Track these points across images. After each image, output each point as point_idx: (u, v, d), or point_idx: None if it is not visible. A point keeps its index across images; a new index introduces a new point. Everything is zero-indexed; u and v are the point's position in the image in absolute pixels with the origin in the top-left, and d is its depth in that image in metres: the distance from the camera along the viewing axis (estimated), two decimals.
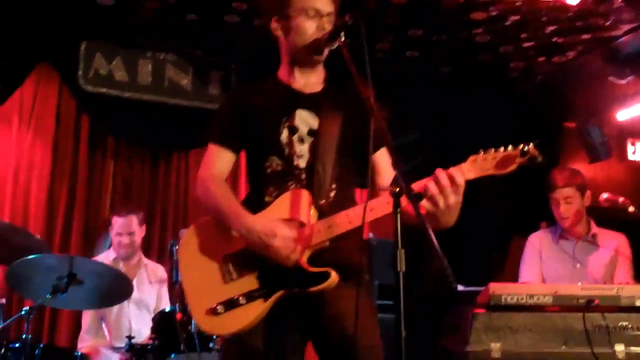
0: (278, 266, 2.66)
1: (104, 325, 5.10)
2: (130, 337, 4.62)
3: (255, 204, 2.81)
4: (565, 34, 6.18)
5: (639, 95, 6.51)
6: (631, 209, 4.45)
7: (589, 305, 3.47)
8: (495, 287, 3.55)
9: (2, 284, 5.11)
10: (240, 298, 2.71)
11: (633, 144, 6.95)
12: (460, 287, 4.90)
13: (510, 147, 2.50)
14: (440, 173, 2.43)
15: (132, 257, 5.46)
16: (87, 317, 5.34)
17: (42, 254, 4.27)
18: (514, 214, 6.71)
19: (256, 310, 2.68)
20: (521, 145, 2.47)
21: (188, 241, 2.91)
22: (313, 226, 2.68)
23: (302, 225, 2.69)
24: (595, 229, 4.70)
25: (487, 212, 6.62)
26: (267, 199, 2.81)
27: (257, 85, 3.01)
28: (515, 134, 2.55)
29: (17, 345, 4.28)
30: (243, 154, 3.03)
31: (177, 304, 4.60)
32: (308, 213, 2.71)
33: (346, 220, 2.63)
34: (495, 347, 3.48)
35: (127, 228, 5.34)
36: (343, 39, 2.70)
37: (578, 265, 4.62)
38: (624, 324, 3.47)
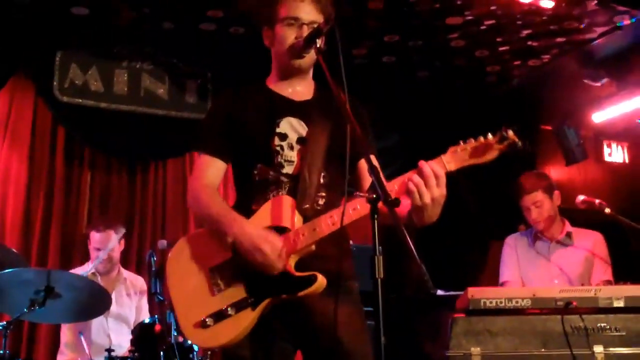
0: (264, 274, 2.66)
1: (83, 339, 5.05)
2: (109, 350, 4.58)
3: (243, 211, 2.80)
4: (540, 38, 6.24)
5: (614, 98, 6.57)
6: (607, 210, 4.48)
7: (567, 307, 3.48)
8: (474, 292, 3.55)
9: None
10: (229, 309, 2.70)
11: (609, 146, 7.01)
12: (439, 292, 4.91)
13: (489, 135, 2.51)
14: (424, 165, 2.46)
15: (111, 271, 5.40)
16: (66, 331, 5.28)
17: (19, 267, 4.22)
18: (492, 218, 6.74)
19: (245, 320, 2.68)
20: (500, 132, 2.49)
21: (175, 255, 2.91)
22: (297, 230, 2.68)
23: (287, 230, 2.69)
24: (569, 228, 4.72)
25: (465, 216, 6.64)
26: (254, 207, 2.81)
27: (245, 92, 3.01)
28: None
29: None
30: None
31: (157, 315, 4.57)
32: (292, 218, 2.71)
33: (329, 222, 2.63)
34: (475, 351, 3.48)
35: (105, 243, 5.27)
36: (319, 44, 2.72)
37: (553, 267, 4.64)
38: (602, 325, 3.48)
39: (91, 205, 6.32)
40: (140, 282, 5.54)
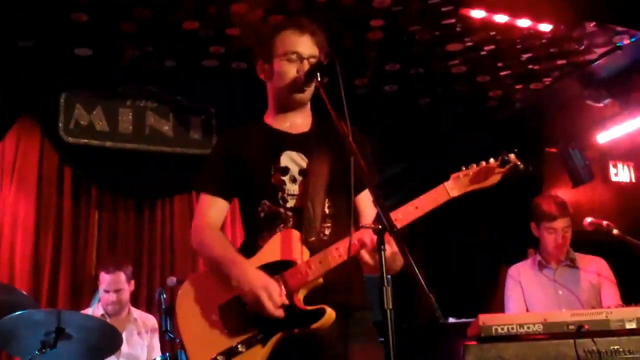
0: None
1: None
2: None
3: (251, 248, 2.82)
4: (540, 61, 6.27)
5: (617, 117, 6.57)
6: (615, 232, 4.47)
7: (579, 331, 3.45)
8: (485, 318, 3.52)
9: None
10: (239, 346, 2.70)
11: (615, 166, 7.01)
12: (450, 320, 4.89)
13: (491, 160, 2.52)
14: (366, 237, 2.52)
15: (120, 312, 5.38)
16: None
17: (29, 309, 4.22)
18: (501, 243, 6.72)
19: (256, 356, 2.67)
20: (501, 156, 2.50)
21: (184, 295, 2.92)
22: (305, 264, 2.68)
23: (294, 264, 2.69)
24: (573, 253, 4.71)
25: (474, 242, 6.63)
26: (260, 243, 2.82)
27: (244, 131, 3.03)
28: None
29: None
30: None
31: (168, 353, 4.55)
32: (300, 252, 2.72)
33: (336, 254, 2.64)
34: None
35: (115, 285, 5.25)
36: (319, 78, 2.73)
37: (560, 292, 4.62)
38: (616, 347, 3.44)
39: (99, 245, 6.32)
40: (151, 320, 5.51)
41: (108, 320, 5.21)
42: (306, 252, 2.73)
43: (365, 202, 2.89)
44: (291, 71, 2.87)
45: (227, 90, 6.42)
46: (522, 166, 2.52)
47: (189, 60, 6.07)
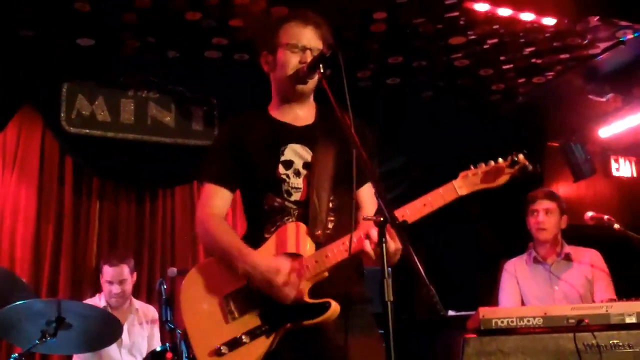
0: (279, 302, 2.67)
1: None
2: None
3: (255, 240, 2.82)
4: (543, 55, 6.25)
5: (619, 112, 6.57)
6: (616, 226, 4.47)
7: (579, 325, 3.46)
8: (485, 312, 3.53)
9: None
10: (243, 337, 2.71)
11: (616, 161, 7.02)
12: (450, 313, 4.89)
13: (500, 160, 2.52)
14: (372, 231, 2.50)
15: (123, 304, 5.38)
16: None
17: (29, 299, 4.22)
18: (502, 237, 6.72)
19: (260, 347, 2.69)
20: (510, 156, 2.50)
21: (188, 285, 2.92)
22: (310, 257, 2.69)
23: (299, 257, 2.70)
24: (567, 248, 4.72)
25: (475, 236, 6.63)
26: (266, 235, 2.82)
27: (248, 120, 3.02)
28: (498, 156, 2.57)
29: None
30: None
31: (168, 343, 4.56)
32: (305, 245, 2.73)
33: (342, 248, 2.64)
34: None
35: (118, 276, 5.25)
36: (322, 70, 2.73)
37: (556, 287, 4.62)
38: (615, 341, 3.45)
39: (100, 235, 6.31)
40: (151, 311, 5.52)
41: (110, 310, 5.23)
42: (311, 246, 2.73)
43: (366, 196, 2.89)
44: (294, 62, 2.87)
45: (229, 81, 6.41)
46: (530, 167, 2.53)
47: (192, 51, 6.06)
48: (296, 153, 2.89)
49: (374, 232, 2.47)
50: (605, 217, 4.55)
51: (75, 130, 6.14)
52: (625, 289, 4.52)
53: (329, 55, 2.73)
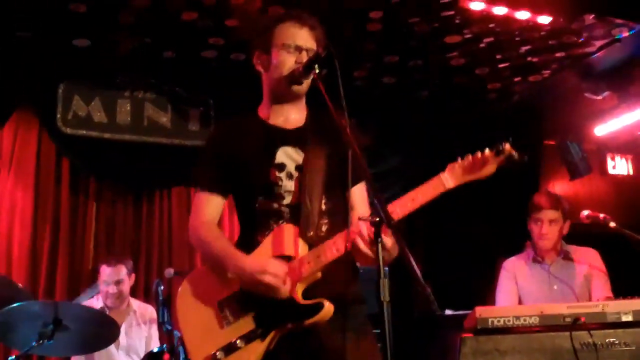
0: (272, 304, 2.67)
1: None
2: None
3: (248, 243, 2.82)
4: (539, 53, 6.25)
5: (615, 110, 6.57)
6: (612, 224, 4.47)
7: (575, 324, 3.46)
8: (481, 311, 3.54)
9: None
10: (238, 341, 2.72)
11: (613, 159, 7.02)
12: (447, 312, 4.89)
13: (486, 150, 2.52)
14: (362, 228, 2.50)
15: (120, 305, 5.38)
16: None
17: (26, 301, 4.21)
18: (499, 236, 6.73)
19: (255, 351, 2.69)
20: (496, 146, 2.50)
21: (184, 292, 2.93)
22: (302, 258, 2.69)
23: (291, 259, 2.70)
24: (566, 246, 4.71)
25: (471, 235, 6.63)
26: (259, 238, 2.82)
27: (238, 125, 3.02)
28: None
29: None
30: None
31: (165, 344, 4.56)
32: (296, 246, 2.72)
33: (333, 248, 2.64)
34: None
35: (115, 276, 5.26)
36: (317, 70, 2.73)
37: (555, 286, 4.62)
38: (612, 340, 3.46)
39: (97, 236, 6.31)
40: (149, 311, 5.51)
41: (107, 313, 5.22)
42: (304, 247, 2.73)
43: (358, 196, 2.89)
44: (290, 62, 2.86)
45: (225, 81, 6.41)
46: (516, 155, 2.53)
47: (188, 51, 6.05)
48: (288, 156, 2.88)
49: (364, 229, 2.48)
50: (602, 215, 4.54)
51: (71, 131, 6.14)
52: (621, 288, 4.52)
53: (324, 55, 2.73)
